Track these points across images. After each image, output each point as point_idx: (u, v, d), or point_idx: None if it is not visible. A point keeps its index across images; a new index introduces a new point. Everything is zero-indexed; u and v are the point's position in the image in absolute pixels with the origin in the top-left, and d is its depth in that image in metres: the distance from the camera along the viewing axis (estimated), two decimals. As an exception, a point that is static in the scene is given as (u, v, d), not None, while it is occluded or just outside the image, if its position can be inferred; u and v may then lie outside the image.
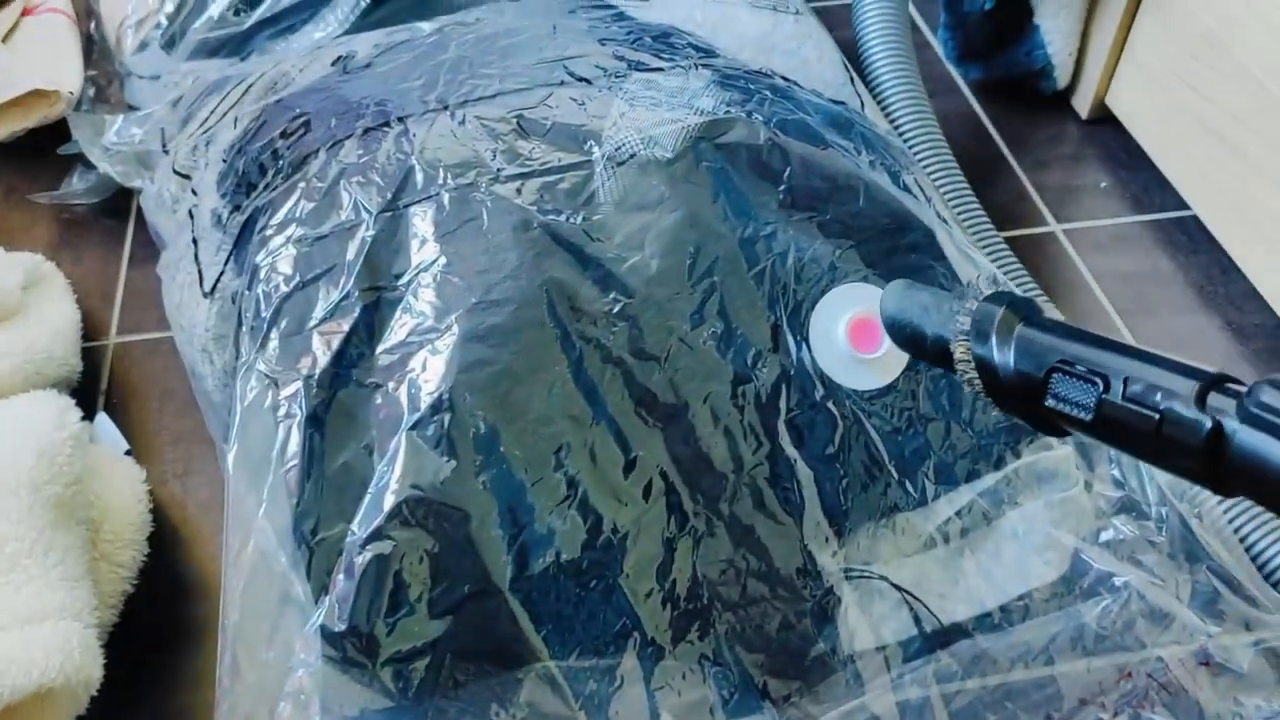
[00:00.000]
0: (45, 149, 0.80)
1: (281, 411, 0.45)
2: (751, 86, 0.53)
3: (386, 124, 0.51)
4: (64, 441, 0.53)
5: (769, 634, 0.46)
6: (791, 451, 0.47)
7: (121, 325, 0.73)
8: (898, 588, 0.48)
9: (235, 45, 0.77)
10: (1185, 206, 0.79)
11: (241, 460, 0.45)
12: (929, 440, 0.50)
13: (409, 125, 0.50)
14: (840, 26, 0.97)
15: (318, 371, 0.45)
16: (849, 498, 0.48)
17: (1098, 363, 0.35)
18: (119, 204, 0.81)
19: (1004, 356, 0.38)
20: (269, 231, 0.49)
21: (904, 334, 0.44)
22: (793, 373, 0.47)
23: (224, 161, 0.58)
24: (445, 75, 0.54)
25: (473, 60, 0.55)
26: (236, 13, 0.77)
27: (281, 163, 0.52)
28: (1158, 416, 0.33)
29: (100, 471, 0.57)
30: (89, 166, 0.81)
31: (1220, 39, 0.71)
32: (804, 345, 0.47)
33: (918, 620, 0.47)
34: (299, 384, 0.45)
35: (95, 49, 0.88)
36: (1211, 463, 0.32)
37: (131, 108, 0.81)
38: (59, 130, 0.80)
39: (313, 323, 0.46)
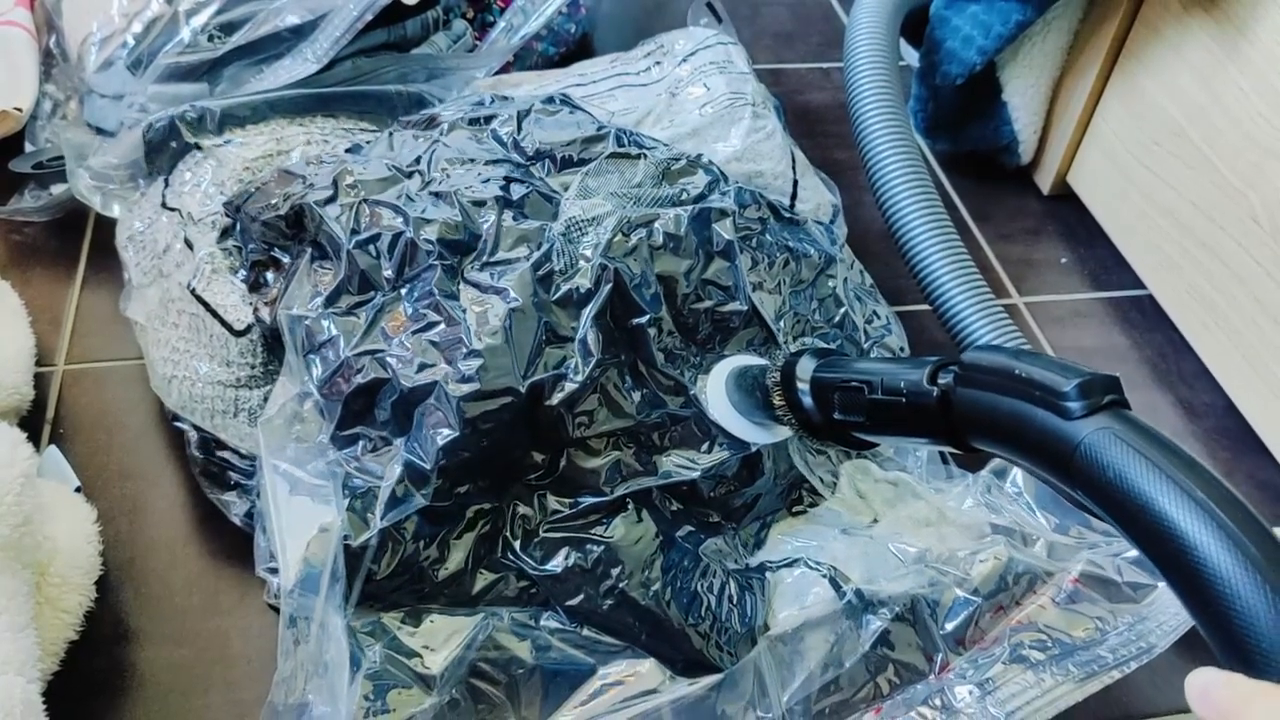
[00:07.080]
0: (-4, 164, 0.77)
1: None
2: (684, 186, 0.58)
3: (385, 197, 0.54)
4: (13, 480, 0.50)
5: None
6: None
7: (72, 352, 0.70)
8: (815, 566, 0.53)
9: (207, 72, 0.75)
10: (1141, 285, 0.81)
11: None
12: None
13: (407, 200, 0.54)
14: (806, 90, 0.99)
15: (326, 437, 0.49)
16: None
17: (860, 376, 0.43)
18: (72, 226, 0.78)
19: (805, 396, 0.46)
20: (286, 293, 0.53)
21: (746, 405, 0.51)
22: (707, 424, 0.52)
23: (224, 215, 0.59)
24: (438, 160, 0.57)
25: (460, 147, 0.58)
26: (211, 38, 0.75)
27: (284, 223, 0.55)
28: (904, 400, 0.40)
29: (49, 509, 0.54)
30: (41, 185, 0.78)
31: (1182, 127, 0.74)
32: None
33: (838, 589, 0.52)
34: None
35: (55, 64, 0.85)
36: (948, 425, 0.39)
37: (91, 126, 0.78)
38: (10, 145, 0.78)
39: (311, 390, 0.50)
